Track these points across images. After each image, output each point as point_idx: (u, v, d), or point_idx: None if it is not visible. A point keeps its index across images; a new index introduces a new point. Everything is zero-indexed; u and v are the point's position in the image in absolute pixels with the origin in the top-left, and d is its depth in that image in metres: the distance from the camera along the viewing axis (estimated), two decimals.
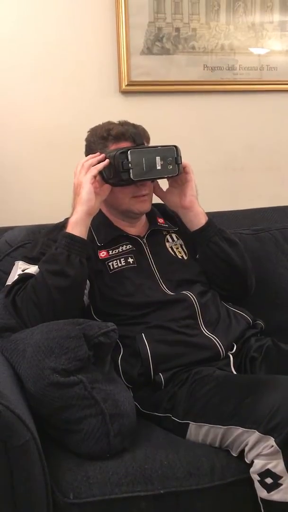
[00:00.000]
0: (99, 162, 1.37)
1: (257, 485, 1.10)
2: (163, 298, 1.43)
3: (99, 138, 1.44)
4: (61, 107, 1.89)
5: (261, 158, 2.17)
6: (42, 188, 1.91)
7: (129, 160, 1.34)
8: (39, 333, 1.19)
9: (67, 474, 1.11)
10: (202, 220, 1.50)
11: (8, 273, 1.43)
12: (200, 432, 1.22)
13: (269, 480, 1.08)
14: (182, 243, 1.56)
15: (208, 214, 1.53)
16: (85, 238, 1.35)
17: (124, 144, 1.41)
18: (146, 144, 1.45)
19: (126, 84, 1.92)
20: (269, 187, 2.19)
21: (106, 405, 1.15)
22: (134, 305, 1.41)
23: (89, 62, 1.90)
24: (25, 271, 1.37)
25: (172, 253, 1.53)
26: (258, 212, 1.95)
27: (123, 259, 1.46)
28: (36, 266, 1.35)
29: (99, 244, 1.46)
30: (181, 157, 1.42)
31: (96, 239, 1.47)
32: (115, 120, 1.48)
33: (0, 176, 1.88)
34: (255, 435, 1.10)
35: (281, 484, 1.07)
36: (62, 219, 1.45)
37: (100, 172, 1.38)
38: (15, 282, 1.36)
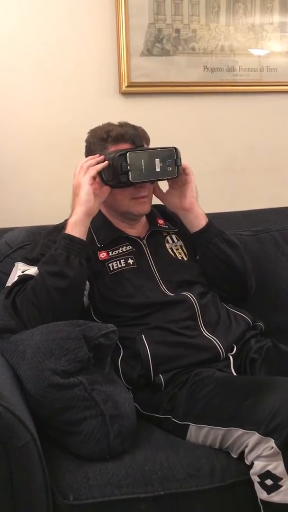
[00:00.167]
0: (98, 164, 1.37)
1: (257, 486, 1.10)
2: (163, 299, 1.43)
3: (99, 140, 1.44)
4: (61, 108, 1.89)
5: (261, 159, 2.17)
6: (42, 189, 1.91)
7: (128, 162, 1.34)
8: (39, 334, 1.19)
9: (67, 476, 1.11)
10: (202, 222, 1.50)
11: (8, 274, 1.43)
12: (200, 433, 1.21)
13: (269, 482, 1.08)
14: (182, 244, 1.56)
15: (208, 215, 1.53)
16: (85, 239, 1.35)
17: (124, 146, 1.41)
18: (146, 146, 1.45)
19: (126, 85, 1.92)
20: (269, 188, 2.19)
21: (106, 406, 1.15)
22: (134, 306, 1.41)
23: (89, 63, 1.90)
24: (25, 272, 1.37)
25: (172, 254, 1.53)
26: (258, 213, 1.95)
27: (123, 260, 1.46)
28: (36, 267, 1.35)
29: (99, 245, 1.46)
30: (180, 159, 1.42)
31: (96, 240, 1.47)
32: (115, 121, 1.48)
33: (0, 176, 1.87)
34: (255, 436, 1.10)
35: (281, 486, 1.07)
36: (62, 220, 1.45)
37: (100, 174, 1.38)
38: (15, 284, 1.36)
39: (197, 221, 1.50)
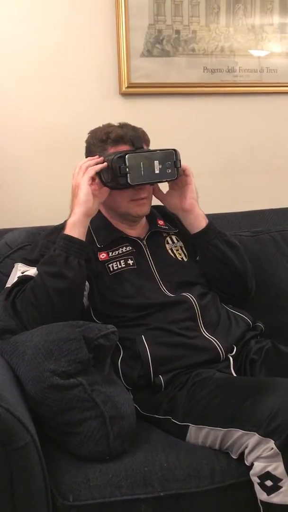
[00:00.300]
0: (97, 164, 1.37)
1: (257, 487, 1.10)
2: (163, 300, 1.43)
3: (98, 141, 1.44)
4: (61, 109, 1.89)
5: (261, 160, 2.17)
6: (42, 190, 1.91)
7: (127, 164, 1.34)
8: (39, 335, 1.19)
9: (67, 477, 1.11)
10: (202, 223, 1.50)
11: (8, 275, 1.43)
12: (200, 434, 1.21)
13: (269, 483, 1.08)
14: (182, 245, 1.56)
15: (208, 216, 1.53)
16: (84, 239, 1.35)
17: (123, 147, 1.41)
18: (145, 147, 1.45)
19: (126, 86, 1.92)
20: (269, 189, 2.19)
21: (106, 407, 1.15)
22: (134, 307, 1.41)
23: (89, 64, 1.90)
24: (25, 273, 1.37)
25: (172, 255, 1.53)
26: (258, 214, 1.95)
27: (123, 261, 1.46)
28: (36, 268, 1.35)
29: (99, 246, 1.46)
30: (180, 160, 1.42)
31: (96, 240, 1.47)
32: (115, 122, 1.48)
33: (0, 177, 1.88)
34: (255, 437, 1.10)
35: (281, 487, 1.07)
36: (62, 221, 1.45)
37: (99, 175, 1.38)
38: (15, 284, 1.36)
39: (197, 222, 1.50)
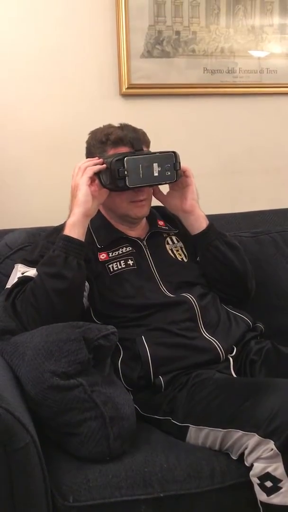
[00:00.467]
0: (95, 165, 1.37)
1: (256, 488, 1.10)
2: (163, 300, 1.43)
3: (98, 142, 1.44)
4: (61, 110, 1.89)
5: (261, 160, 2.17)
6: (42, 191, 1.91)
7: (125, 167, 1.34)
8: (39, 336, 1.19)
9: (67, 477, 1.11)
10: (203, 224, 1.50)
11: (8, 276, 1.43)
12: (200, 435, 1.22)
13: (268, 484, 1.08)
14: (182, 246, 1.56)
15: (207, 216, 1.53)
16: (83, 240, 1.35)
17: (123, 149, 1.41)
18: (145, 149, 1.45)
19: (126, 87, 1.92)
20: (268, 190, 2.19)
21: (106, 408, 1.15)
22: (134, 307, 1.41)
23: (89, 65, 1.90)
24: (25, 274, 1.37)
25: (172, 255, 1.53)
26: (258, 215, 1.95)
27: (123, 261, 1.46)
28: (35, 269, 1.35)
29: (99, 246, 1.46)
30: (180, 163, 1.42)
31: (96, 241, 1.47)
32: (115, 123, 1.48)
33: (1, 178, 1.88)
34: (254, 438, 1.10)
35: (280, 488, 1.07)
36: (62, 222, 1.45)
37: (98, 177, 1.38)
38: (15, 285, 1.36)
39: (198, 224, 1.50)
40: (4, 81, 1.83)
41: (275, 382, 1.20)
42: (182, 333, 1.38)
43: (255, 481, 1.10)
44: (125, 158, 1.35)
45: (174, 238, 1.57)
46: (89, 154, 1.47)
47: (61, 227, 1.41)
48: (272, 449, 1.07)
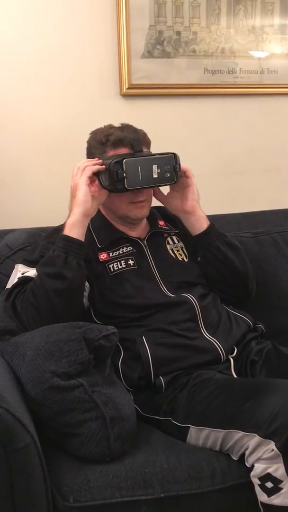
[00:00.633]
0: (95, 165, 1.37)
1: (257, 489, 1.10)
2: (163, 301, 1.43)
3: (98, 143, 1.44)
4: (61, 110, 1.89)
5: (261, 161, 2.17)
6: (42, 191, 1.91)
7: (124, 169, 1.34)
8: (39, 336, 1.19)
9: (67, 478, 1.11)
10: (204, 225, 1.50)
11: (8, 276, 1.43)
12: (200, 435, 1.21)
13: (269, 484, 1.08)
14: (183, 246, 1.56)
15: (208, 217, 1.53)
16: (83, 239, 1.34)
17: (122, 150, 1.41)
18: (145, 150, 1.45)
19: (126, 87, 1.92)
20: (269, 190, 2.19)
21: (106, 408, 1.14)
22: (135, 307, 1.41)
23: (89, 65, 1.90)
24: (25, 274, 1.37)
25: (173, 255, 1.53)
26: (258, 215, 1.95)
27: (123, 261, 1.46)
28: (35, 269, 1.35)
29: (99, 246, 1.46)
30: (179, 164, 1.41)
31: (96, 241, 1.47)
32: (116, 123, 1.48)
33: (1, 178, 1.87)
34: (255, 439, 1.10)
35: (281, 488, 1.07)
36: (62, 222, 1.45)
37: (98, 177, 1.38)
38: (15, 285, 1.36)
39: (199, 224, 1.50)
40: (4, 81, 1.83)
41: (275, 383, 1.20)
42: (183, 333, 1.38)
43: (256, 481, 1.10)
44: (124, 160, 1.34)
45: (174, 238, 1.57)
46: (90, 154, 1.47)
47: (61, 227, 1.41)
48: (272, 450, 1.07)
